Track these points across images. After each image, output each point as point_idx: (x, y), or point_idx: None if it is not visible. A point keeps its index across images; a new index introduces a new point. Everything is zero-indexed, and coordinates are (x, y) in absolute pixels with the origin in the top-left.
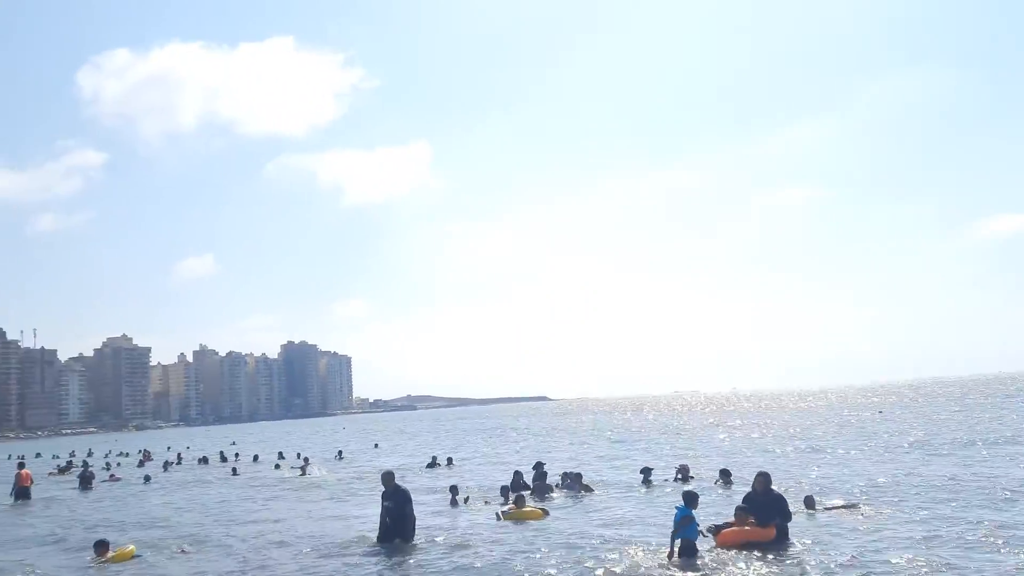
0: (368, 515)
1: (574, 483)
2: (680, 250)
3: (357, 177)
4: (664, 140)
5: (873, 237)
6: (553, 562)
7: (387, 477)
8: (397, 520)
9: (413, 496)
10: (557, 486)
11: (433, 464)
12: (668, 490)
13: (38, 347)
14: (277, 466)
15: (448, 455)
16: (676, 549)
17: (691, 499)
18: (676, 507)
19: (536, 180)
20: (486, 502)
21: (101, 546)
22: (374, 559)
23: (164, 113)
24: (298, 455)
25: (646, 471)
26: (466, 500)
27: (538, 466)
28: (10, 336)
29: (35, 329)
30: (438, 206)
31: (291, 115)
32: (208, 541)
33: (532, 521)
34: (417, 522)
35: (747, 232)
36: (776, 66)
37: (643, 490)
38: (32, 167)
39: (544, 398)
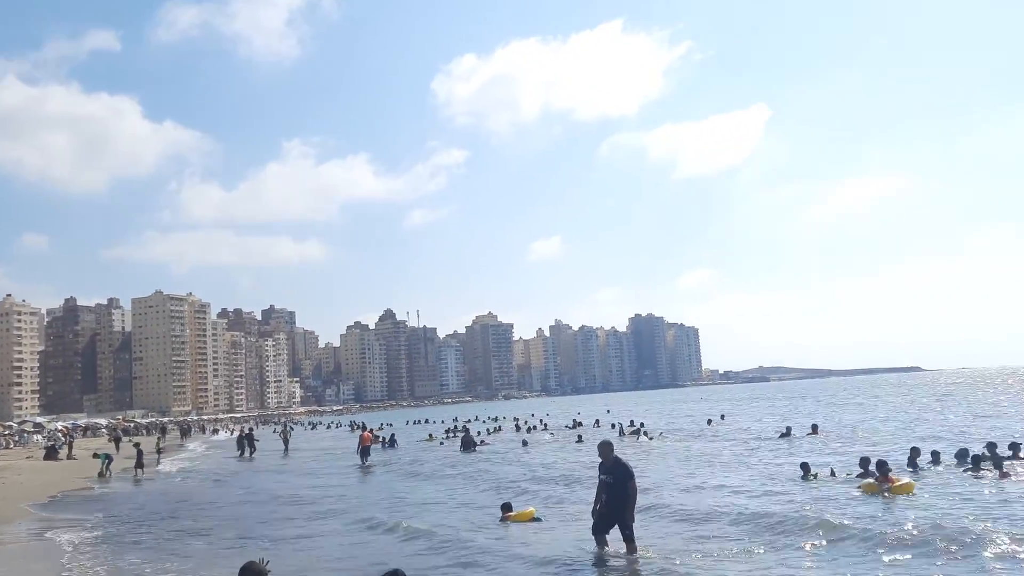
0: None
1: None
2: None
3: (689, 148)
4: None
5: None
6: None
7: (605, 447)
8: (616, 498)
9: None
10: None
11: (787, 434)
12: None
13: (421, 326)
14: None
15: (813, 423)
16: None
17: None
18: None
19: (892, 133)
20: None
21: (506, 508)
22: None
23: (509, 108)
24: (631, 422)
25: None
26: (815, 476)
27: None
28: (399, 317)
29: (418, 311)
30: (781, 168)
31: (621, 96)
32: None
33: (905, 495)
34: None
35: None
36: None
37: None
38: (404, 171)
39: (916, 368)
